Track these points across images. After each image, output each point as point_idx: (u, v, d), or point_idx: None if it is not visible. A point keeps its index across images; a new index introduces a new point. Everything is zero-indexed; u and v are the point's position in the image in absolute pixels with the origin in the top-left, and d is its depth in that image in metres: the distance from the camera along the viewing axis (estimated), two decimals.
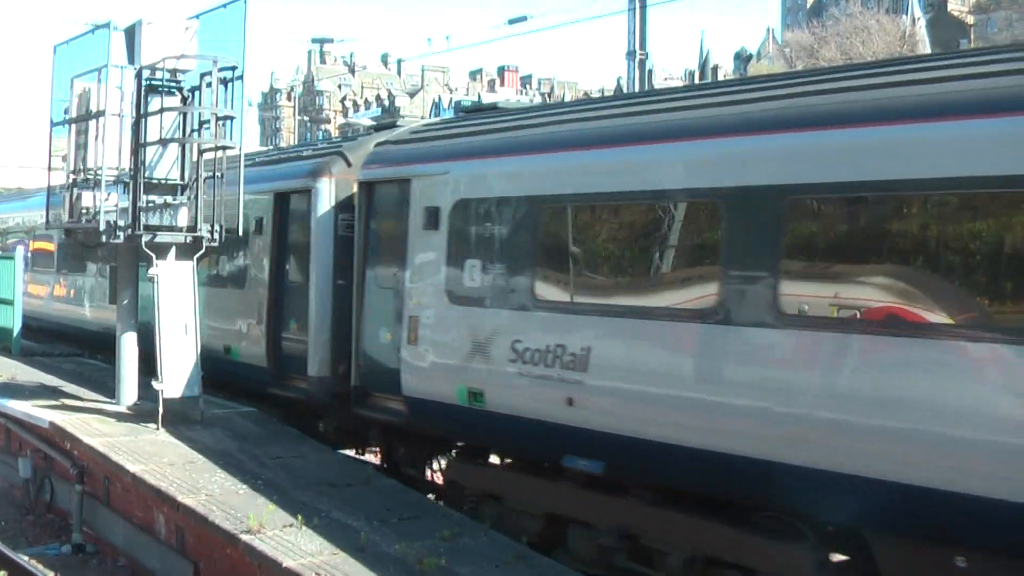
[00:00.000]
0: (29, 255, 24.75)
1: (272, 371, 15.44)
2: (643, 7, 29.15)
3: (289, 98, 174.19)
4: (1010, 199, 7.85)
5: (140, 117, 14.47)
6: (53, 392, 16.72)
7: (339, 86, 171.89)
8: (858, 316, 8.45)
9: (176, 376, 14.12)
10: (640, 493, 10.52)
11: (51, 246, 24.45)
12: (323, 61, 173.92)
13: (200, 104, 14.60)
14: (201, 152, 14.61)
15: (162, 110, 14.54)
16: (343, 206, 14.43)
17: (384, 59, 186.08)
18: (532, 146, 11.73)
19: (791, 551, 9.14)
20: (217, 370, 15.44)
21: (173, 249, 14.41)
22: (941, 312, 8.21)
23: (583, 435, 10.51)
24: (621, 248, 10.70)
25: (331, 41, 61.87)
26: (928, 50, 69.39)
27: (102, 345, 19.28)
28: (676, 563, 9.95)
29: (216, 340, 16.03)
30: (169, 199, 14.54)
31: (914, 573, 8.41)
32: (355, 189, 14.20)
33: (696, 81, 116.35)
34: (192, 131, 14.64)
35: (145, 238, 14.15)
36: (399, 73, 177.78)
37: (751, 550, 9.44)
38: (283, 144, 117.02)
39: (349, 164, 14.63)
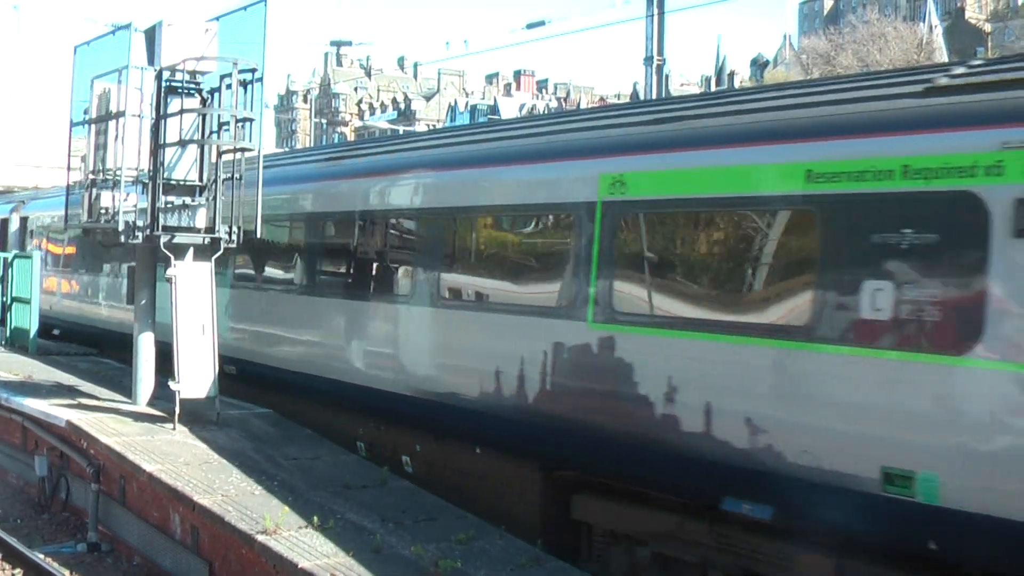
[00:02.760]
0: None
1: None
2: (661, 13, 29.15)
3: (305, 100, 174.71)
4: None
5: (159, 118, 14.51)
6: (70, 391, 16.79)
7: (355, 89, 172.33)
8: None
9: (193, 376, 14.16)
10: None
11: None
12: (339, 64, 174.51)
13: (219, 106, 14.66)
14: (220, 154, 14.66)
15: (182, 111, 14.58)
16: None
17: (400, 62, 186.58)
18: None
19: None
20: None
21: (191, 250, 14.47)
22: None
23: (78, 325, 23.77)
24: None
25: (348, 44, 62.27)
26: (945, 58, 69.20)
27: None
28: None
29: None
30: (188, 200, 14.59)
31: None
32: None
33: (713, 87, 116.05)
34: (211, 133, 14.69)
35: (163, 239, 14.19)
36: (415, 76, 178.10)
37: None
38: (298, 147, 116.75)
39: None
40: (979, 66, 9.41)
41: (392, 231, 14.38)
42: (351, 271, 15.11)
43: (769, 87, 14.67)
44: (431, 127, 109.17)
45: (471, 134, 15.07)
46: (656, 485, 10.33)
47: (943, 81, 8.94)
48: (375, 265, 14.69)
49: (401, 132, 58.27)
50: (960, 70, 9.21)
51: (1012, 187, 7.72)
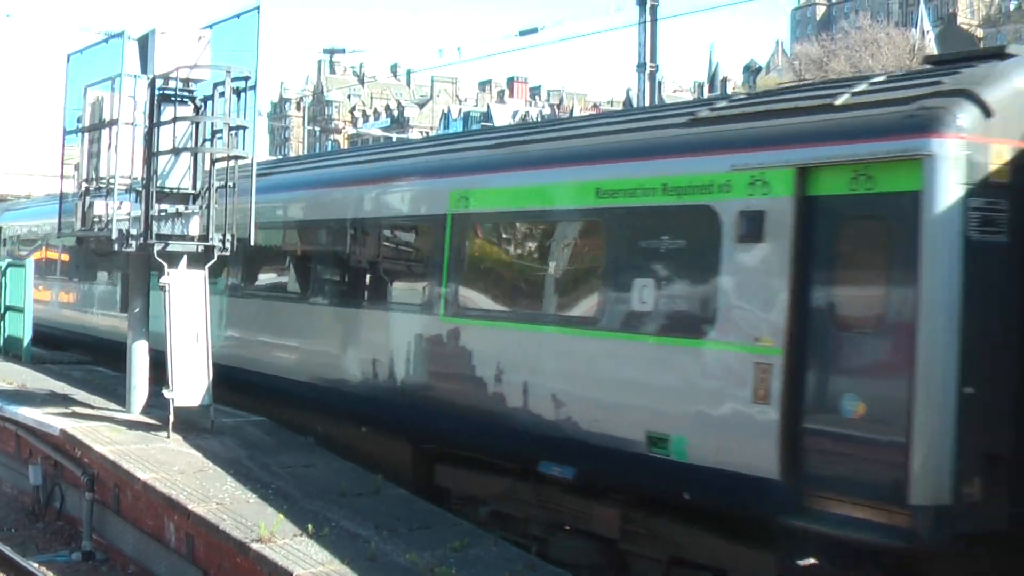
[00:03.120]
0: None
1: None
2: (653, 20, 29.25)
3: (299, 108, 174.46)
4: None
5: (153, 126, 14.50)
6: (63, 399, 16.76)
7: (348, 96, 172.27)
8: None
9: (187, 385, 14.13)
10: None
11: None
12: (333, 71, 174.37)
13: (213, 114, 14.66)
14: (213, 162, 14.66)
15: (175, 119, 14.57)
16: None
17: (393, 69, 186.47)
18: None
19: None
20: None
21: (184, 258, 14.45)
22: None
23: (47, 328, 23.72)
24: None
25: (342, 51, 62.17)
26: None
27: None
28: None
29: None
30: (181, 208, 14.58)
31: None
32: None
33: (706, 93, 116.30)
34: (204, 140, 14.69)
35: (157, 247, 14.17)
36: (408, 84, 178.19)
37: None
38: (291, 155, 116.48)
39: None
40: (736, 100, 11.23)
41: (299, 240, 16.73)
42: (267, 274, 17.70)
43: (587, 117, 17.60)
44: (424, 134, 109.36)
45: (355, 156, 17.82)
46: (492, 453, 12.23)
47: (704, 113, 10.63)
48: (285, 269, 17.31)
49: (395, 139, 58.44)
50: (722, 104, 11.04)
51: (737, 201, 9.49)
